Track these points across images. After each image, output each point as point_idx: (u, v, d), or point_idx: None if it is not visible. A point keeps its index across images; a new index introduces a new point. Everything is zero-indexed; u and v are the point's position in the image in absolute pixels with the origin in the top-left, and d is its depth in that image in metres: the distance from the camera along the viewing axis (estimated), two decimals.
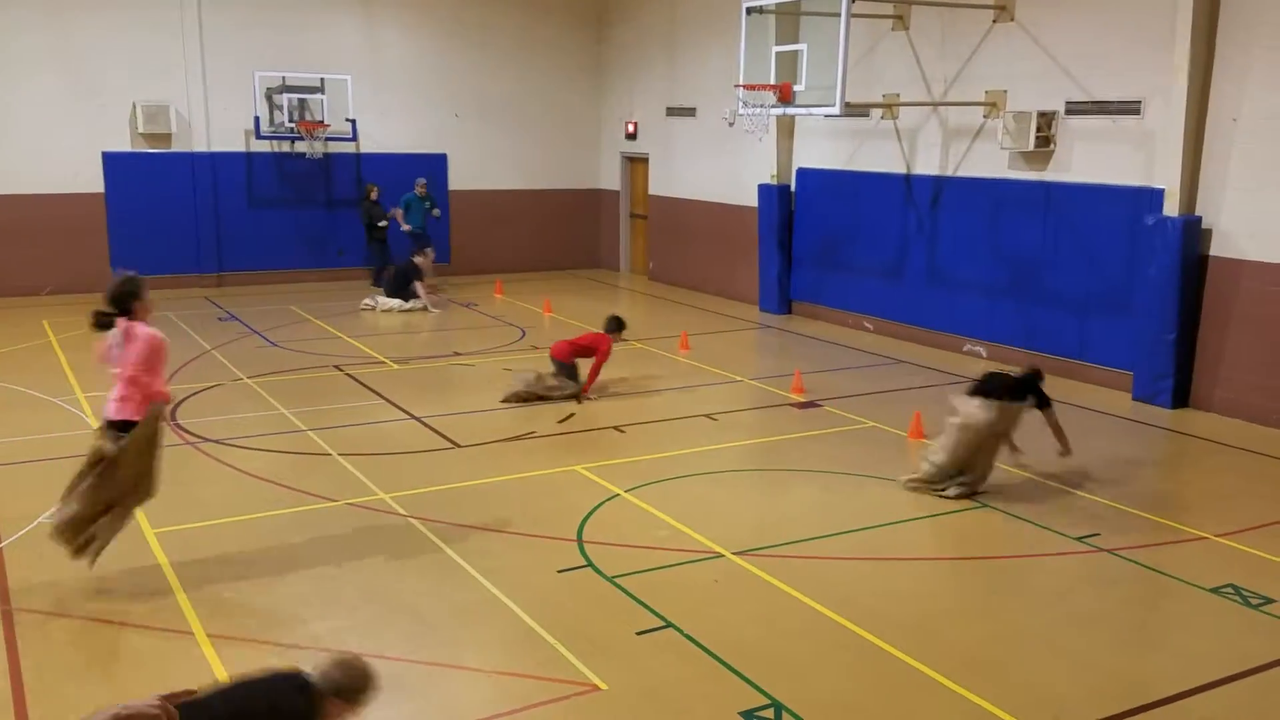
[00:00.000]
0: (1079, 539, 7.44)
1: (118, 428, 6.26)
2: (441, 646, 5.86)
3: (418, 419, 10.26)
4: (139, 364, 6.13)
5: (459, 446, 9.44)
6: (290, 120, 17.69)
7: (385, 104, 18.76)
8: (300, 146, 18.02)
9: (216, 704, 3.61)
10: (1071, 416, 10.62)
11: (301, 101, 17.81)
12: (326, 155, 18.26)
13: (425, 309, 16.07)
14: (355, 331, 14.49)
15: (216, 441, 9.39)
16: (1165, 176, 10.88)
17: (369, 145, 18.77)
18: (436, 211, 18.11)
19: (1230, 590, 6.61)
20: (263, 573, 6.75)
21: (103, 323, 6.21)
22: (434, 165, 19.23)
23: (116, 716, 2.29)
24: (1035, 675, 5.61)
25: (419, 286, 16.28)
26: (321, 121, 17.79)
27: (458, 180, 19.34)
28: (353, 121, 18.12)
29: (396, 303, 16.14)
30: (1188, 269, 10.73)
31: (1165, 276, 10.79)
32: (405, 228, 17.82)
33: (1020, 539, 7.47)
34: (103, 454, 6.22)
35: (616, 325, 11.25)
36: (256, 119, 17.54)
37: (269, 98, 17.69)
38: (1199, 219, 10.73)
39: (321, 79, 17.84)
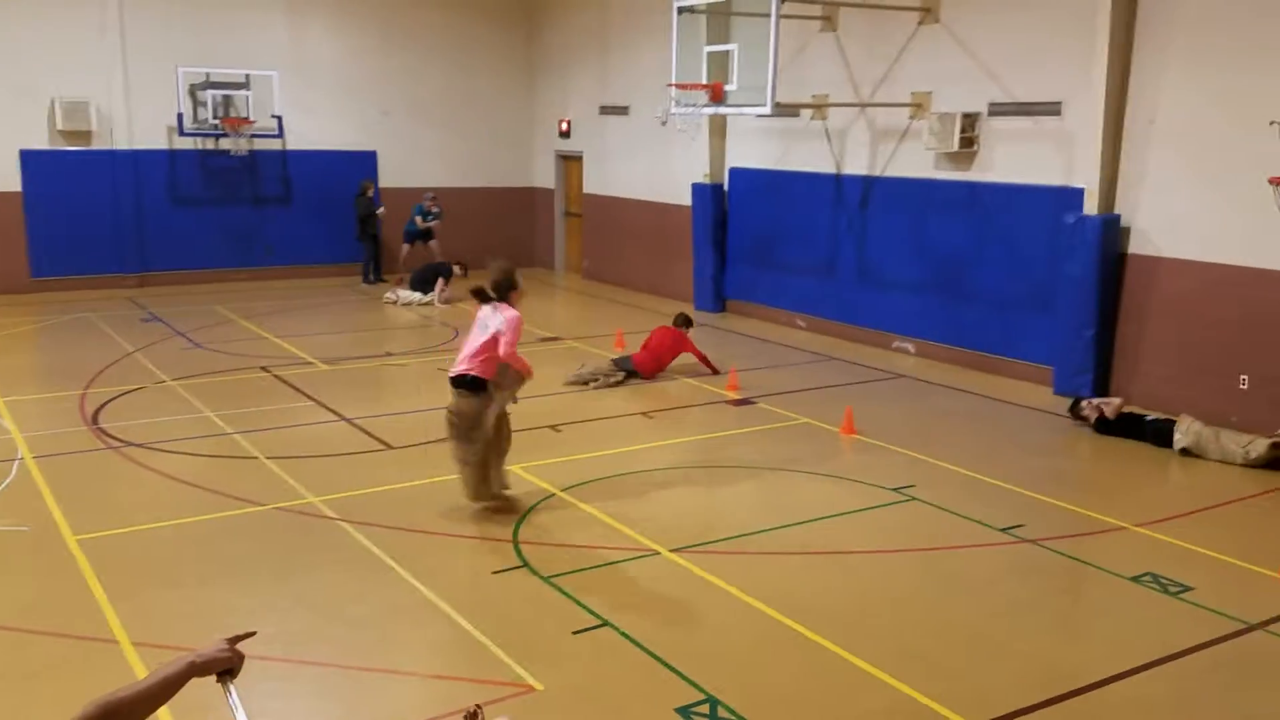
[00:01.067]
0: (1004, 530, 7.61)
1: (467, 384, 7.49)
2: (373, 651, 5.80)
3: (348, 420, 10.13)
4: (511, 338, 7.42)
5: (391, 448, 9.34)
6: (214, 117, 17.36)
7: (312, 100, 18.46)
8: (225, 144, 17.68)
9: None
10: (995, 410, 10.89)
11: (226, 98, 17.48)
12: (252, 152, 17.95)
13: (431, 302, 16.54)
14: (283, 332, 14.25)
15: (140, 445, 9.17)
16: (1085, 176, 11.17)
17: (296, 142, 18.47)
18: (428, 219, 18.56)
19: (1149, 579, 6.81)
20: (189, 579, 6.62)
21: (483, 298, 7.65)
22: (363, 162, 18.99)
23: (192, 665, 2.34)
24: (965, 665, 5.73)
25: (441, 283, 16.74)
26: (247, 118, 17.47)
27: (388, 177, 19.11)
28: (279, 118, 17.81)
29: (417, 295, 16.68)
30: (1106, 266, 11.03)
31: (1085, 274, 11.08)
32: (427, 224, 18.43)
33: (949, 531, 7.62)
34: (458, 412, 7.57)
35: (686, 321, 12.26)
36: (180, 116, 17.14)
37: (193, 94, 17.31)
38: (1117, 217, 11.04)
39: (247, 75, 17.50)
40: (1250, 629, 6.13)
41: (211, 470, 8.64)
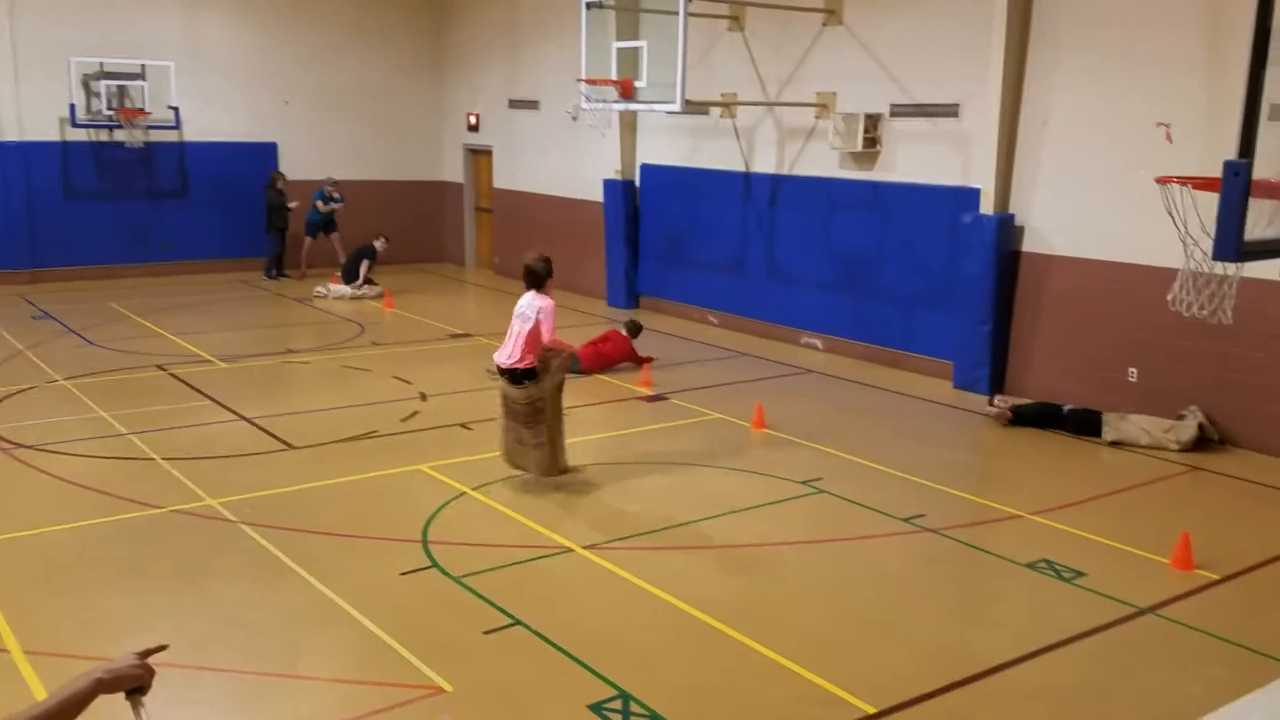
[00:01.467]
0: (906, 520, 7.80)
1: (520, 376, 7.98)
2: (275, 656, 5.67)
3: (248, 420, 9.88)
4: (550, 324, 7.97)
5: (293, 448, 9.14)
6: (109, 108, 16.75)
7: (211, 91, 17.94)
8: (120, 135, 17.08)
9: None
10: (898, 404, 11.14)
11: (121, 88, 16.89)
12: (148, 144, 17.38)
13: (363, 293, 16.49)
14: (180, 329, 13.83)
15: (31, 447, 8.81)
16: (981, 177, 11.50)
17: (194, 133, 17.93)
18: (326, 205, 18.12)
19: (1045, 565, 7.05)
20: (83, 585, 6.39)
21: (531, 281, 8.27)
22: (263, 154, 18.54)
23: (99, 681, 2.18)
24: (870, 652, 5.85)
25: (366, 265, 16.65)
26: (142, 109, 16.91)
27: (290, 169, 18.65)
28: (175, 109, 17.28)
29: (348, 289, 16.50)
30: (1002, 264, 11.37)
31: (981, 271, 11.41)
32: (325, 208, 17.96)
33: (854, 522, 7.77)
34: (511, 398, 8.05)
35: (637, 330, 12.51)
36: (72, 107, 16.50)
37: (85, 84, 16.69)
38: (1012, 217, 11.39)
39: (143, 65, 16.95)
40: (1141, 613, 6.39)
41: (106, 472, 8.35)
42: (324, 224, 18.09)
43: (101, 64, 16.69)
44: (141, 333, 13.67)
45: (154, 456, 8.75)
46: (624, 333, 12.42)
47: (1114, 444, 9.75)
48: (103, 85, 16.70)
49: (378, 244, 16.96)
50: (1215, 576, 6.91)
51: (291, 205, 17.70)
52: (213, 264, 18.29)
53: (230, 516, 7.50)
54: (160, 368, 11.75)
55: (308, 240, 18.08)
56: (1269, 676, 5.62)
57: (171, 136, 17.68)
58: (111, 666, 2.28)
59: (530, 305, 8.10)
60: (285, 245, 17.98)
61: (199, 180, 18.23)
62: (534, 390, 8.00)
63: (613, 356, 12.21)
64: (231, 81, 18.22)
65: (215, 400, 10.50)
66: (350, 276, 16.73)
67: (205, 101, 17.88)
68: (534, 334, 7.95)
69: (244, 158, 18.21)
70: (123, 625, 5.88)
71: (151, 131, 17.24)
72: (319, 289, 16.77)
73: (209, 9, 17.92)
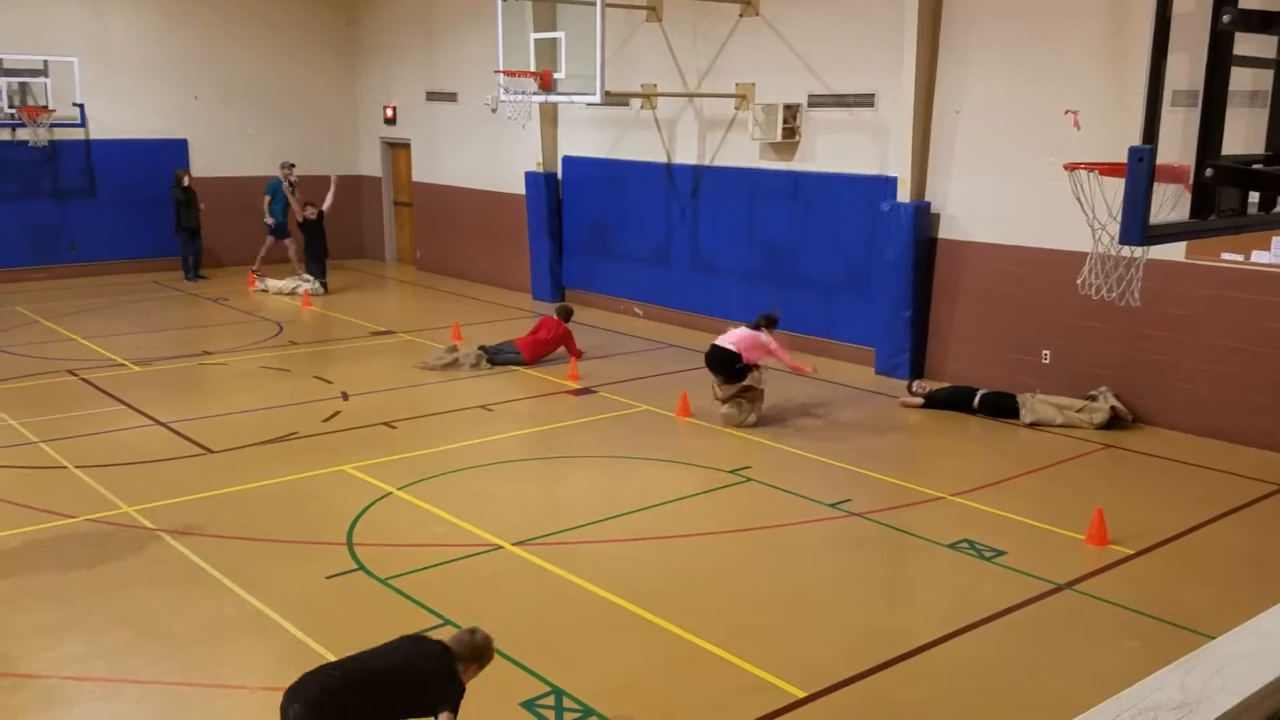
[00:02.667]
0: (832, 505, 7.90)
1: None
2: (198, 666, 5.53)
3: (164, 424, 9.61)
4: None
5: (211, 452, 8.92)
6: (10, 106, 16.14)
7: (116, 86, 17.38)
8: (23, 134, 16.49)
9: (352, 664, 4.32)
10: (821, 391, 11.28)
11: (23, 85, 16.29)
12: (52, 143, 16.81)
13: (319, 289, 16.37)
14: (90, 332, 13.40)
15: None
16: (897, 165, 11.69)
17: (100, 131, 17.37)
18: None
19: (966, 545, 7.21)
20: None
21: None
22: (173, 151, 18.01)
23: None
24: (800, 638, 5.92)
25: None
26: (45, 107, 16.32)
27: (201, 166, 18.16)
28: (80, 106, 16.71)
29: (306, 284, 16.40)
30: (919, 251, 11.58)
31: (900, 258, 11.60)
32: (269, 221, 17.01)
33: (781, 509, 7.85)
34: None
35: (568, 313, 12.44)
36: None
37: None
38: (928, 204, 11.60)
39: (45, 61, 16.34)
40: (1059, 589, 6.57)
41: (15, 482, 8.06)
42: (282, 223, 17.17)
43: (1, 60, 16.07)
44: (51, 337, 13.21)
45: (66, 464, 8.47)
46: (556, 318, 12.35)
47: (1032, 425, 10.00)
48: (3, 82, 16.09)
49: (308, 210, 16.38)
50: (1129, 551, 7.14)
51: (202, 207, 17.10)
52: (123, 264, 17.74)
53: (148, 524, 7.29)
54: (71, 373, 11.37)
55: (269, 241, 17.23)
56: (1182, 646, 5.81)
57: (77, 134, 17.10)
58: None
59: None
60: (199, 244, 17.40)
61: (107, 179, 17.66)
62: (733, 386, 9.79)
63: (550, 344, 12.18)
64: (138, 77, 17.68)
65: (129, 405, 10.20)
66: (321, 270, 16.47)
67: (111, 98, 17.33)
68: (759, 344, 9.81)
69: (153, 155, 17.68)
70: (34, 640, 5.67)
71: (55, 130, 16.67)
72: (262, 284, 16.50)
73: (112, 1, 17.35)
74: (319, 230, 16.46)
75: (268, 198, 17.19)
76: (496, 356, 12.03)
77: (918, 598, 6.68)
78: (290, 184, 16.98)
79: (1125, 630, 6.07)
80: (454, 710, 4.31)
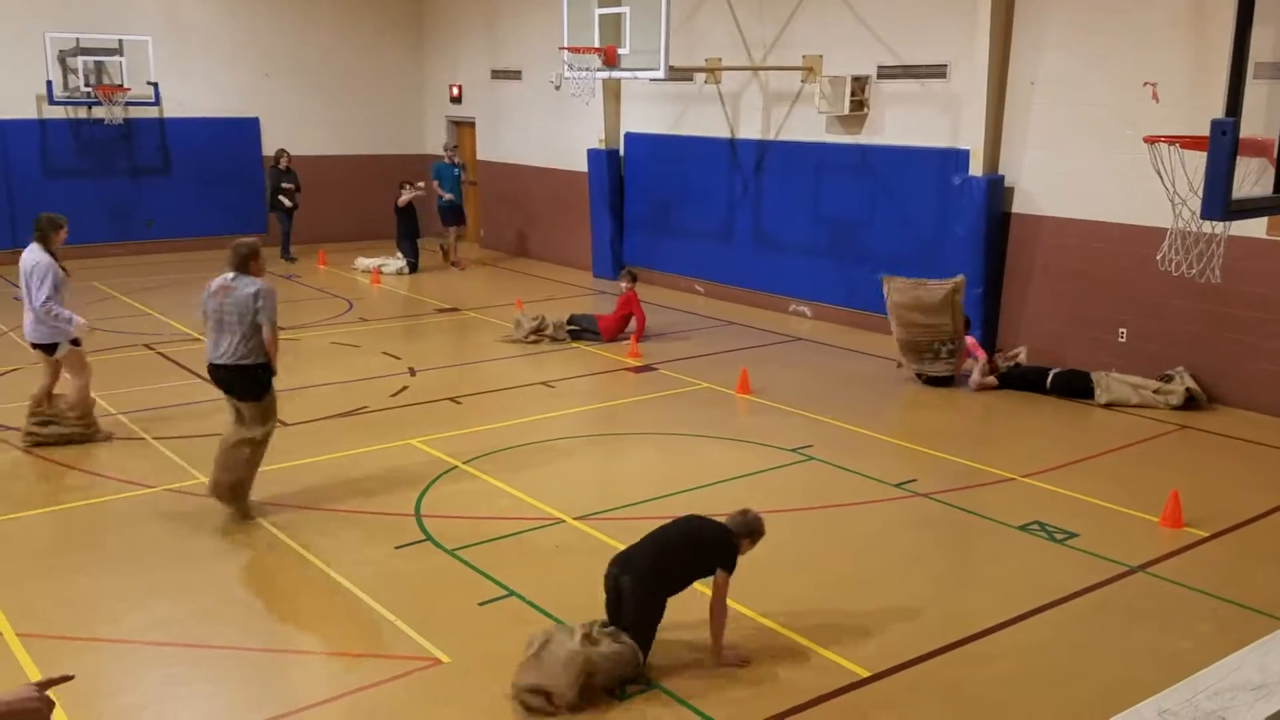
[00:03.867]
0: (898, 485, 7.83)
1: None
2: (273, 632, 5.68)
3: None
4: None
5: (286, 425, 9.09)
6: (87, 85, 16.54)
7: (190, 65, 17.73)
8: (99, 112, 16.88)
9: (662, 538, 5.34)
10: (888, 370, 11.14)
11: (99, 64, 16.66)
12: (128, 121, 17.20)
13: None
14: (166, 308, 13.74)
15: (17, 429, 8.75)
16: (970, 138, 11.46)
17: (174, 109, 17.75)
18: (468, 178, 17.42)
19: (1036, 527, 7.09)
20: (75, 566, 6.38)
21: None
22: (245, 129, 18.37)
23: None
24: (861, 617, 5.89)
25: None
26: (121, 85, 16.70)
27: (272, 144, 18.49)
28: (155, 85, 17.07)
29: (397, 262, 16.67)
30: (992, 226, 11.36)
31: (971, 234, 11.39)
32: (447, 197, 17.08)
33: (845, 488, 7.80)
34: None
35: (633, 277, 12.45)
36: (49, 83, 16.28)
37: (62, 61, 16.44)
38: (1001, 178, 11.36)
39: (120, 40, 16.71)
40: (1132, 571, 6.44)
41: (97, 452, 8.32)
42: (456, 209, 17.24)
43: (78, 40, 16.46)
44: (128, 311, 13.58)
45: (144, 436, 8.72)
46: (626, 286, 12.29)
47: (1107, 405, 9.79)
48: (80, 61, 16.48)
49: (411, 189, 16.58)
50: (1204, 534, 6.97)
51: (291, 195, 17.25)
52: (198, 241, 18.14)
53: None
54: (148, 346, 11.68)
55: (450, 232, 17.23)
56: (1257, 631, 5.68)
57: (151, 113, 17.48)
58: (6, 698, 2.12)
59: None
60: (292, 224, 17.53)
61: (181, 157, 18.05)
62: None
63: (624, 319, 12.22)
64: (210, 56, 18.01)
65: (204, 379, 10.43)
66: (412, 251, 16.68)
67: (184, 77, 17.68)
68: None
69: (225, 133, 18.05)
70: (116, 606, 5.87)
71: (131, 108, 17.04)
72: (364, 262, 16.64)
73: None
74: (411, 211, 16.67)
75: (435, 182, 17.20)
76: (576, 326, 12.11)
77: (985, 579, 6.59)
78: (457, 166, 17.11)
79: (1198, 614, 5.94)
80: (730, 572, 5.32)
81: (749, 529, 5.42)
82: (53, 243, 8.36)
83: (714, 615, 5.28)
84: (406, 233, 16.62)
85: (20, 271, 8.30)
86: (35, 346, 8.49)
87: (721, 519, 5.44)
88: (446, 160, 17.42)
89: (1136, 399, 9.74)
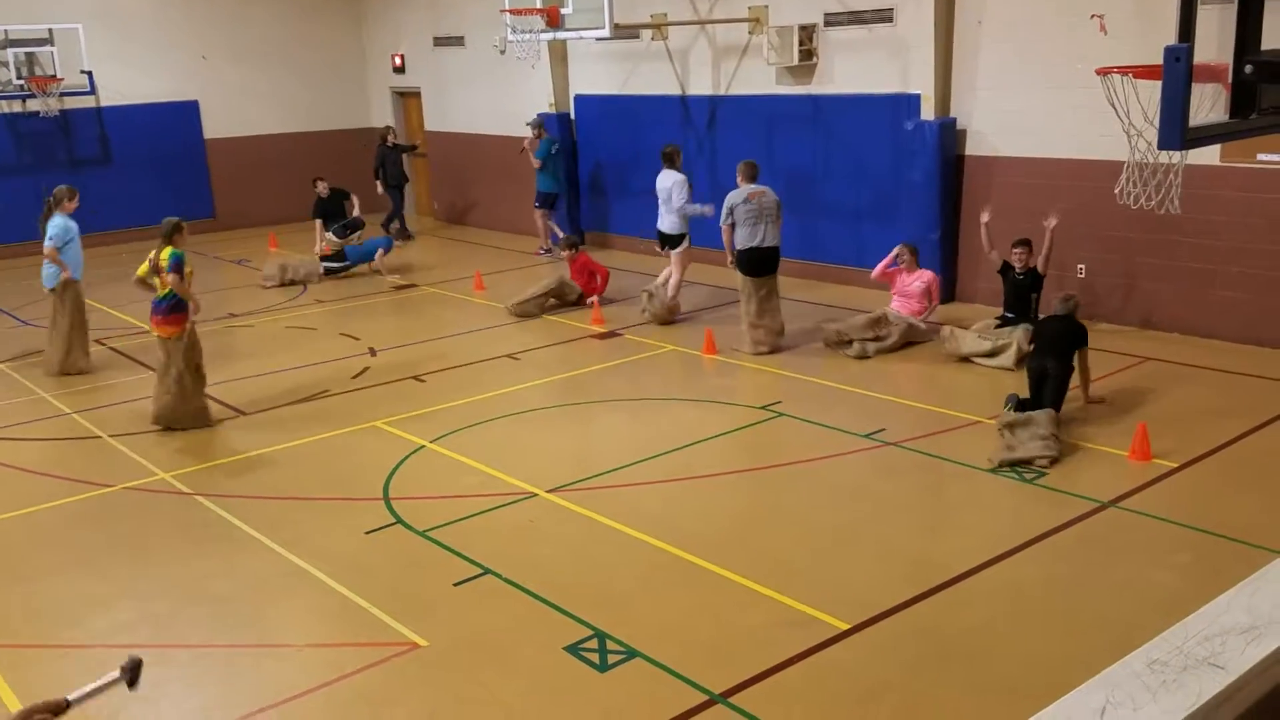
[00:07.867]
0: (867, 436, 7.81)
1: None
2: (244, 626, 5.58)
3: None
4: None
5: (244, 414, 8.94)
6: (18, 77, 16.05)
7: (124, 52, 17.22)
8: (33, 105, 16.40)
9: (1042, 341, 7.88)
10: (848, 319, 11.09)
11: (29, 55, 16.16)
12: (63, 112, 16.72)
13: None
14: (115, 301, 13.43)
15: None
16: (920, 82, 11.37)
17: (111, 98, 17.26)
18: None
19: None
20: (38, 571, 6.22)
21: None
22: (184, 113, 17.92)
23: None
24: (838, 569, 5.88)
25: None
26: (54, 76, 16.22)
27: (214, 128, 18.08)
28: (89, 73, 16.59)
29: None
30: (946, 170, 11.31)
31: (926, 179, 11.34)
32: (536, 164, 15.31)
33: (814, 442, 7.77)
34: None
35: (571, 244, 12.67)
36: None
37: None
38: (954, 121, 11.30)
39: (49, 29, 16.19)
40: (1104, 506, 6.47)
41: (54, 454, 8.13)
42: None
43: (5, 31, 15.96)
44: None
45: (100, 434, 8.53)
46: (568, 255, 12.45)
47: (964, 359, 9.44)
48: (9, 54, 15.99)
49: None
50: (1173, 464, 7.02)
51: (416, 147, 17.41)
52: (143, 231, 17.70)
53: (185, 489, 7.33)
54: (99, 342, 11.40)
55: (540, 214, 15.69)
56: (1234, 557, 5.74)
57: (88, 102, 17.01)
58: None
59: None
60: (403, 200, 17.25)
61: (120, 145, 17.58)
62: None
63: (589, 272, 12.35)
64: (144, 41, 17.50)
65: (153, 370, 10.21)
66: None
67: (119, 63, 17.18)
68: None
69: (165, 118, 17.60)
70: (80, 610, 5.74)
71: (66, 98, 16.57)
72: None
73: None
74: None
75: (538, 161, 15.46)
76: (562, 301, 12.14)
77: (959, 524, 6.60)
78: (552, 141, 15.51)
79: (1175, 544, 5.97)
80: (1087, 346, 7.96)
81: (1077, 303, 8.05)
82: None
83: (1084, 375, 7.89)
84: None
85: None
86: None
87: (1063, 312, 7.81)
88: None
89: (983, 350, 9.35)
